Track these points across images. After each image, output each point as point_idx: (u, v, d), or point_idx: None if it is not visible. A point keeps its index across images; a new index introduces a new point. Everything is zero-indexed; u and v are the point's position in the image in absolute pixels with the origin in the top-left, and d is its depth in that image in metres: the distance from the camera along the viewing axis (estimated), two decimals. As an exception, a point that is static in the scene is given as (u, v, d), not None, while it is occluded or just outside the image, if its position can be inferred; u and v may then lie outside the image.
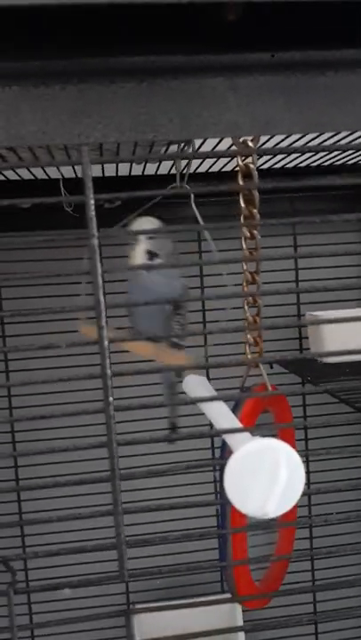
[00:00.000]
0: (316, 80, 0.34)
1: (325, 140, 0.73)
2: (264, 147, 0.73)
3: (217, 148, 0.74)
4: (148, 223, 0.67)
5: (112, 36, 0.31)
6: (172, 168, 0.85)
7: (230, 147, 0.58)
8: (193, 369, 0.64)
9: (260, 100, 0.34)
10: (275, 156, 0.81)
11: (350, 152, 0.83)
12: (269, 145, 0.74)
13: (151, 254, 0.68)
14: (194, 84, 0.33)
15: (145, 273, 0.68)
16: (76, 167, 0.76)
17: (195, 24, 0.32)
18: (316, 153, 0.81)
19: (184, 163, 0.75)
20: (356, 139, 0.73)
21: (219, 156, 0.76)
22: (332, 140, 0.73)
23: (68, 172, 0.81)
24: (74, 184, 0.80)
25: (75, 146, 0.32)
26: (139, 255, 0.68)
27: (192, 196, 0.70)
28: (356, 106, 0.35)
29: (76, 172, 0.81)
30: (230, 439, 0.38)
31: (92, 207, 0.32)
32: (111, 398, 0.32)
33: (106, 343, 0.32)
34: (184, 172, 0.73)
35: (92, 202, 0.32)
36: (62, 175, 0.79)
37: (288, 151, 0.37)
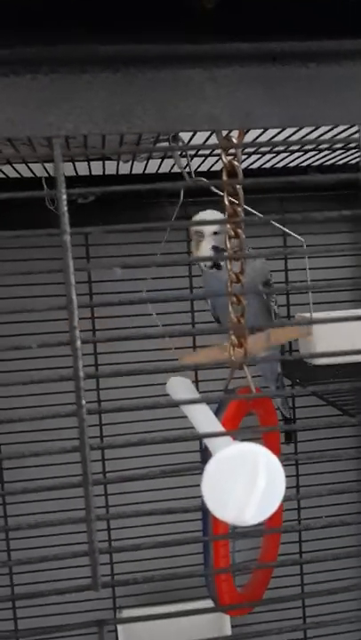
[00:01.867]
0: (297, 71, 0.33)
1: (319, 136, 0.71)
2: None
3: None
4: (212, 216, 0.69)
5: (85, 23, 0.30)
6: (160, 167, 0.84)
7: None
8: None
9: (240, 92, 0.32)
10: (264, 155, 0.80)
11: (341, 152, 0.82)
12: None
13: (217, 249, 0.69)
14: (171, 74, 0.32)
15: (222, 266, 0.70)
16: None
17: (172, 12, 0.31)
18: (306, 152, 0.80)
19: (183, 161, 0.74)
20: (349, 136, 0.72)
21: (199, 149, 0.75)
22: (326, 137, 0.72)
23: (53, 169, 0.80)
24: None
25: (46, 138, 0.31)
26: (204, 251, 0.69)
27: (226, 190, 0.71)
28: (339, 99, 0.34)
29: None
30: (210, 443, 0.37)
31: (65, 203, 0.31)
32: (84, 401, 0.31)
33: (78, 344, 0.30)
34: (173, 170, 0.72)
35: (65, 197, 0.31)
36: (47, 173, 0.77)
37: (269, 145, 0.35)
